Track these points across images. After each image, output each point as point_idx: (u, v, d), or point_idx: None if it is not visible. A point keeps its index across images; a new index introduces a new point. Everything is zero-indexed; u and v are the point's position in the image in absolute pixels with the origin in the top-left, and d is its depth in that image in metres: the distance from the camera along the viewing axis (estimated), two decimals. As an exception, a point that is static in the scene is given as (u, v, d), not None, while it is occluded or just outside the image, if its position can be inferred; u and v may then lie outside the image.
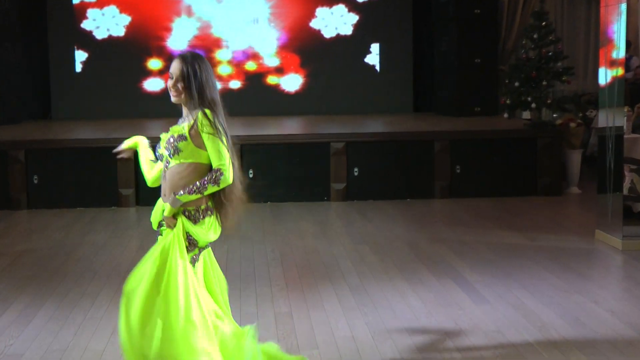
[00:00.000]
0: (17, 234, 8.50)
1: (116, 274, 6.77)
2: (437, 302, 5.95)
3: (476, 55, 11.85)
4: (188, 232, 3.91)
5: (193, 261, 3.95)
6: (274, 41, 12.68)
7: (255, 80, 12.72)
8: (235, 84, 12.68)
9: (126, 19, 12.48)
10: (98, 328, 5.47)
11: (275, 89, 12.77)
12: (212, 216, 3.98)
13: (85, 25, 12.42)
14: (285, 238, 8.08)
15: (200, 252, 4.00)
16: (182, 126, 3.97)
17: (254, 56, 12.70)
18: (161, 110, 12.33)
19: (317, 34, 12.72)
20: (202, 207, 3.94)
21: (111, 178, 9.65)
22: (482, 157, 10.13)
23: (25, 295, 6.22)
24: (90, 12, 12.43)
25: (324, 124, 11.36)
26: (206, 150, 3.93)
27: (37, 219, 9.09)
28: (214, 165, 3.91)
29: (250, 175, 9.85)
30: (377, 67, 12.84)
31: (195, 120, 3.93)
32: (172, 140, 3.95)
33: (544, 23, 10.40)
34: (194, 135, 3.92)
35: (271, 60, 12.72)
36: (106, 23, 12.46)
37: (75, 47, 12.43)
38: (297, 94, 12.78)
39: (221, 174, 3.89)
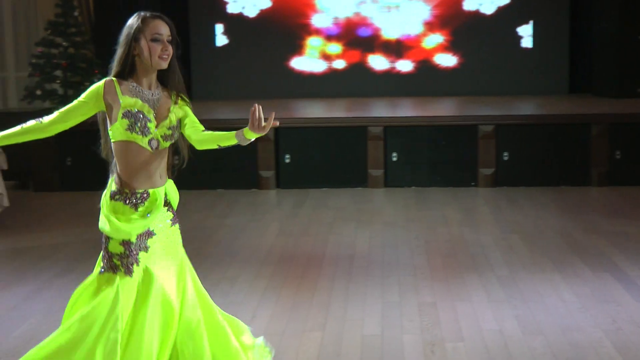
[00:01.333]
0: (158, 214, 8.77)
1: (255, 259, 6.91)
2: (593, 297, 5.76)
3: (640, 31, 11.37)
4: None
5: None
6: (424, 20, 12.56)
7: (401, 60, 12.64)
8: (381, 64, 12.65)
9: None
10: (238, 312, 5.58)
11: (422, 69, 12.65)
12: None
13: (228, 3, 12.66)
14: (430, 225, 8.03)
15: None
16: (181, 109, 3.77)
17: (400, 35, 12.62)
18: (311, 90, 12.58)
19: (469, 12, 12.52)
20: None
21: (251, 160, 9.85)
22: (646, 142, 9.73)
23: (165, 276, 6.42)
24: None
25: (473, 106, 11.19)
26: None
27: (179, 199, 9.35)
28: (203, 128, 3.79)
29: (394, 159, 9.83)
30: (531, 46, 12.52)
31: (177, 100, 3.76)
32: (177, 125, 3.76)
33: None
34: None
35: (418, 40, 12.61)
36: (248, 0, 12.66)
37: (216, 24, 12.70)
38: (446, 74, 12.63)
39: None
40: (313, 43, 12.64)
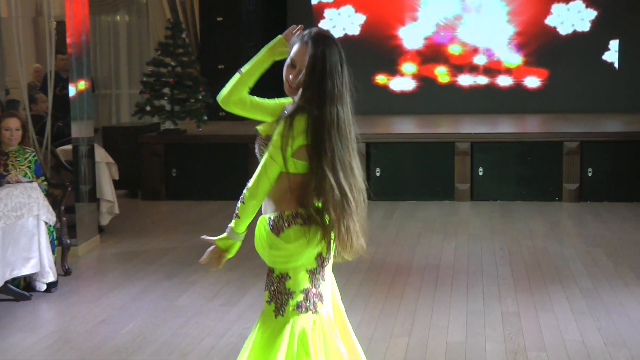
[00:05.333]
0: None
1: (345, 267, 6.88)
2: (677, 312, 5.57)
3: None
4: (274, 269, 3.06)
5: (300, 308, 3.04)
6: (508, 39, 12.42)
7: (488, 78, 12.51)
8: (467, 81, 12.54)
9: (361, 18, 12.68)
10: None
11: (510, 86, 12.50)
12: (304, 226, 3.01)
13: (323, 24, 12.76)
14: (514, 237, 7.90)
15: (309, 292, 3.06)
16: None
17: (487, 53, 12.50)
18: (400, 107, 12.55)
19: (553, 30, 12.33)
20: (287, 213, 3.02)
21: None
22: None
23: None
24: (328, 12, 12.75)
25: (558, 123, 10.98)
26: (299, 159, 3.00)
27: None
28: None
29: (481, 173, 9.73)
30: (616, 65, 12.23)
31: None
32: (265, 140, 3.11)
33: None
34: None
35: (504, 58, 12.46)
36: (342, 22, 12.73)
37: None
38: (533, 92, 12.45)
39: (245, 189, 3.03)
40: (401, 62, 12.62)
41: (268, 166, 2.98)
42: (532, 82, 12.42)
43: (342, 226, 2.99)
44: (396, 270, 6.82)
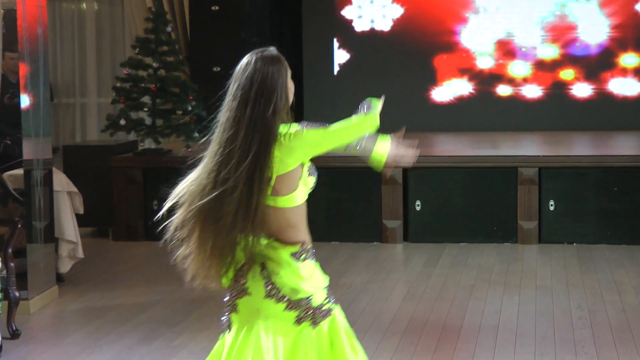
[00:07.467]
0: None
1: (377, 327, 6.89)
2: None
3: None
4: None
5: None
6: (601, 37, 12.44)
7: (561, 87, 12.53)
8: (533, 91, 12.55)
9: (398, 10, 12.74)
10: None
11: (590, 97, 12.49)
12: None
13: (348, 16, 12.81)
14: (596, 291, 7.87)
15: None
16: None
17: (566, 56, 12.53)
18: (453, 123, 12.57)
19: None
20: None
21: (373, 207, 9.86)
22: None
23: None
24: (354, 1, 12.82)
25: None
26: None
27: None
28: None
29: (552, 208, 9.70)
30: None
31: None
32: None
33: None
34: None
35: (580, 63, 12.49)
36: (373, 13, 12.78)
37: (335, 42, 12.84)
38: (620, 103, 12.43)
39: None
40: (450, 67, 12.64)
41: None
42: (619, 89, 12.40)
43: None
44: (442, 332, 6.80)
